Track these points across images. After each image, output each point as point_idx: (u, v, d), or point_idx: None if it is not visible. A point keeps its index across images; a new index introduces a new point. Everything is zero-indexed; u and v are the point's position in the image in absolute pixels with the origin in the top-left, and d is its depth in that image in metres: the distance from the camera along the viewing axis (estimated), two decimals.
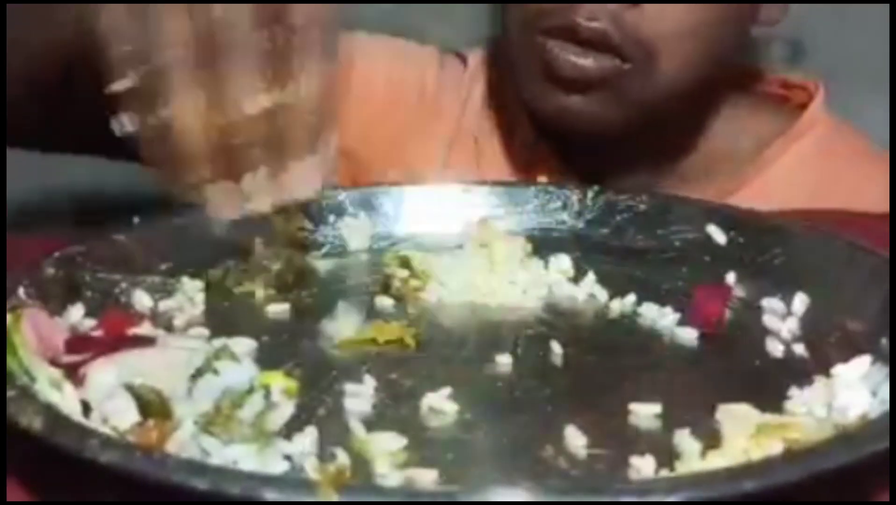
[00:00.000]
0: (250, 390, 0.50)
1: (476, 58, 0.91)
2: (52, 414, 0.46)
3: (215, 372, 0.50)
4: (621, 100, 0.76)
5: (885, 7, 1.03)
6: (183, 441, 0.47)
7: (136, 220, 0.65)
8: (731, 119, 0.86)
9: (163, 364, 0.52)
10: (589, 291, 0.64)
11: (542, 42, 0.76)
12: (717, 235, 0.66)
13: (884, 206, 0.83)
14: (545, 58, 0.76)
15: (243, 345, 0.56)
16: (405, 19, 1.04)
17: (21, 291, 0.57)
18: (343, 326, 0.60)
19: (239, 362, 0.51)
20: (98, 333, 0.57)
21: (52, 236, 0.63)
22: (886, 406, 0.50)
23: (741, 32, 0.81)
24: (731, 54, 0.82)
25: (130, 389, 0.49)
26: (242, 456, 0.46)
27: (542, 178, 0.72)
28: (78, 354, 0.53)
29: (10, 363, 0.50)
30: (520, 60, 0.78)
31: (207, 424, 0.47)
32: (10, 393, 0.47)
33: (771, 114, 0.88)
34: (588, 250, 0.68)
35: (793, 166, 0.85)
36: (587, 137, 0.76)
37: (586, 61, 0.75)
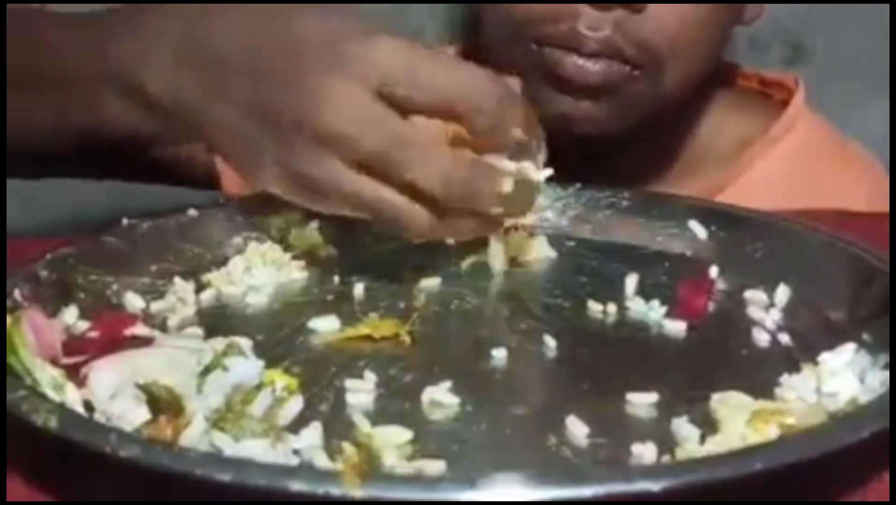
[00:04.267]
0: (259, 386, 0.50)
1: (453, 52, 0.90)
2: (68, 412, 0.46)
3: (224, 368, 0.50)
4: (632, 104, 0.76)
5: (885, 7, 1.04)
6: (194, 438, 0.47)
7: (125, 221, 0.65)
8: (713, 117, 0.87)
9: (166, 362, 0.52)
10: (575, 287, 0.65)
11: (538, 49, 0.75)
12: (699, 231, 0.67)
13: (866, 204, 0.83)
14: (546, 62, 0.74)
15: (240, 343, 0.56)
16: (403, 18, 1.05)
17: (17, 293, 0.57)
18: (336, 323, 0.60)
19: (247, 358, 0.52)
20: (94, 335, 0.56)
21: (50, 237, 0.63)
22: (874, 392, 0.51)
23: (731, 28, 0.81)
24: (724, 50, 0.82)
25: (140, 386, 0.49)
26: (254, 451, 0.46)
27: None
28: (77, 355, 0.53)
29: (12, 364, 0.50)
30: (512, 65, 0.74)
31: (219, 421, 0.48)
32: (21, 392, 0.47)
33: (752, 111, 0.88)
34: (573, 246, 0.69)
35: (775, 166, 0.85)
36: (592, 140, 0.75)
37: (596, 66, 0.73)
